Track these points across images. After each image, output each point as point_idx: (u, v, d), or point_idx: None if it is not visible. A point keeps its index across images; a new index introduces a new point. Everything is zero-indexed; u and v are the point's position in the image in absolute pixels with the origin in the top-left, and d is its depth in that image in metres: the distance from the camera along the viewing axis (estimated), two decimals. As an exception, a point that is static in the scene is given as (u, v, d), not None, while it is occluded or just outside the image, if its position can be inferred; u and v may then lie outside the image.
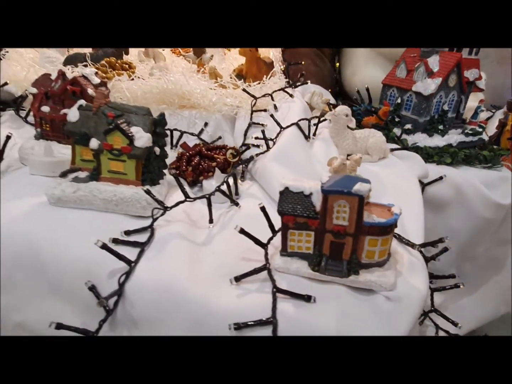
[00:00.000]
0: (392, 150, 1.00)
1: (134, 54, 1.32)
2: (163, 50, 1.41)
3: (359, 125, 1.14)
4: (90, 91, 0.81)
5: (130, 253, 0.59)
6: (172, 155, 0.87)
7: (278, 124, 0.96)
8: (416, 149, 1.02)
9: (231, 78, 1.12)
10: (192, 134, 0.98)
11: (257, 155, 0.88)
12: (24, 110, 1.03)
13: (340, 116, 0.92)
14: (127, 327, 0.55)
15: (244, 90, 1.04)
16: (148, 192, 0.65)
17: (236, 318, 0.50)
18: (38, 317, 0.63)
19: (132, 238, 0.63)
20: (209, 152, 0.88)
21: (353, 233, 0.51)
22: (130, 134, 0.66)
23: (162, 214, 0.65)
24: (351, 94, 1.44)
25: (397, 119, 1.11)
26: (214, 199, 0.73)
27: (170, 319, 0.53)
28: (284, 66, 1.27)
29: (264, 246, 0.59)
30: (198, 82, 1.03)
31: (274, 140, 0.93)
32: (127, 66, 1.10)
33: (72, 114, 0.70)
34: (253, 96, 1.03)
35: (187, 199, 0.67)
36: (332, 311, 0.51)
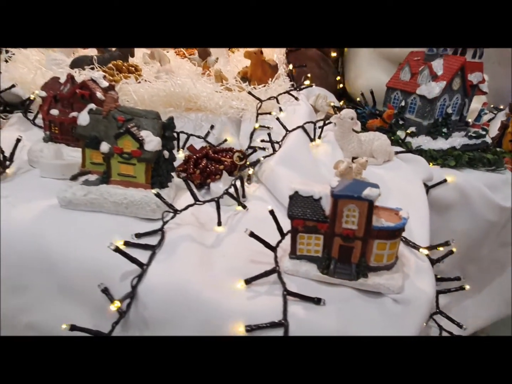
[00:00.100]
0: (397, 153, 1.00)
1: (138, 57, 1.33)
2: (167, 52, 1.42)
3: (364, 128, 1.15)
4: (99, 94, 0.82)
5: (141, 255, 0.60)
6: (178, 157, 0.88)
7: (284, 127, 0.97)
8: (420, 151, 1.03)
9: (236, 80, 1.13)
10: (198, 136, 0.99)
11: (263, 157, 0.89)
12: (32, 112, 1.04)
13: (345, 120, 0.92)
14: (139, 329, 0.56)
15: (249, 93, 1.04)
16: (158, 195, 0.66)
17: (247, 320, 0.51)
18: (48, 319, 0.64)
19: (143, 240, 0.64)
20: (215, 155, 0.89)
21: (362, 237, 0.52)
22: (140, 138, 0.67)
23: (172, 217, 0.66)
24: (355, 96, 1.45)
25: (401, 122, 1.12)
26: (222, 202, 0.74)
27: (181, 321, 0.54)
28: (289, 68, 1.28)
29: (273, 249, 0.60)
30: (204, 85, 1.04)
31: (280, 143, 0.94)
32: (133, 69, 1.11)
33: (83, 118, 0.71)
34: (258, 99, 1.04)
35: (197, 202, 0.67)
36: (342, 313, 0.52)
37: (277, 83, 1.14)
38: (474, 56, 1.09)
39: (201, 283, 0.56)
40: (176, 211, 0.66)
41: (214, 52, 1.30)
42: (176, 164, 0.83)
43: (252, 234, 0.58)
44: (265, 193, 0.86)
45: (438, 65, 1.03)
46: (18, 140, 0.79)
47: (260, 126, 0.99)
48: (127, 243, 0.61)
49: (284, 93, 1.10)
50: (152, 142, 0.68)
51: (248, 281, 0.56)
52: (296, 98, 1.09)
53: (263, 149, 0.94)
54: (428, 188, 0.96)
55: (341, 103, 1.30)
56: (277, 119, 0.98)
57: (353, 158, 0.92)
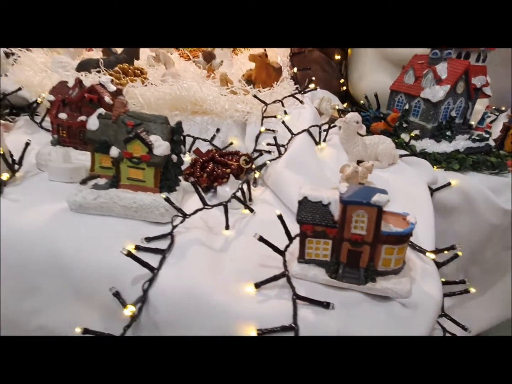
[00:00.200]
0: (401, 156, 1.01)
1: (143, 59, 1.34)
2: (171, 54, 1.43)
3: (368, 131, 1.16)
4: (107, 98, 0.83)
5: (151, 259, 0.61)
6: (185, 161, 0.89)
7: (289, 130, 0.97)
8: (424, 155, 1.04)
9: (240, 83, 1.13)
10: (204, 140, 1.00)
11: (269, 161, 0.90)
12: (39, 115, 1.05)
13: (351, 123, 0.93)
14: (150, 332, 0.57)
15: (254, 96, 1.05)
16: (167, 199, 0.66)
17: (258, 324, 0.52)
18: (59, 321, 0.65)
19: (152, 244, 0.64)
20: (222, 158, 0.90)
21: (370, 242, 0.53)
22: (149, 143, 0.68)
23: (181, 222, 0.67)
24: (358, 99, 1.46)
25: (404, 125, 1.13)
26: (229, 205, 0.74)
27: (193, 324, 0.55)
28: (293, 71, 1.29)
29: (282, 253, 0.61)
30: (210, 88, 1.04)
31: (286, 146, 0.94)
32: (139, 72, 1.12)
33: (92, 122, 0.71)
34: (264, 102, 1.05)
35: (206, 207, 0.68)
36: (351, 317, 0.53)
37: (282, 86, 1.15)
38: (478, 59, 1.09)
39: (211, 287, 0.57)
40: (185, 216, 0.67)
41: (218, 54, 1.31)
42: (182, 167, 0.84)
43: (261, 239, 0.59)
44: (271, 196, 0.87)
45: (442, 69, 1.04)
46: (27, 144, 0.79)
47: (266, 129, 1.00)
48: (137, 247, 0.61)
49: (289, 96, 1.11)
50: (161, 146, 0.69)
51: (257, 285, 0.57)
52: (301, 102, 1.10)
53: (269, 152, 0.94)
54: (432, 191, 0.97)
55: (345, 105, 1.30)
56: (283, 122, 0.98)
57: (358, 162, 0.93)
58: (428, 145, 1.06)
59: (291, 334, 0.51)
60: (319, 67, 1.36)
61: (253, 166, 0.90)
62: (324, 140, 1.01)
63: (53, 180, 0.80)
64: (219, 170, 0.85)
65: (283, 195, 0.83)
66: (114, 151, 0.68)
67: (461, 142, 1.09)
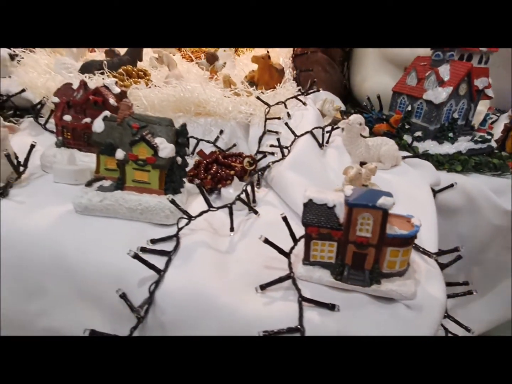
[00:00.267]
0: (404, 157, 1.02)
1: (145, 60, 1.34)
2: (173, 55, 1.43)
3: (370, 132, 1.16)
4: (112, 101, 0.83)
5: (157, 261, 0.61)
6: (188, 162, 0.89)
7: (293, 132, 0.98)
8: (426, 156, 1.04)
9: (242, 84, 1.14)
10: (208, 141, 1.00)
11: (273, 163, 0.91)
12: (43, 117, 1.05)
13: (354, 125, 0.94)
14: (156, 333, 0.57)
15: (258, 98, 1.06)
16: (173, 202, 0.67)
17: (264, 325, 0.52)
18: (65, 323, 0.65)
19: (158, 246, 0.65)
20: (225, 160, 0.90)
21: (375, 244, 0.53)
22: (154, 145, 0.68)
23: (187, 224, 0.67)
24: (360, 100, 1.46)
25: (407, 127, 1.13)
26: (233, 207, 0.75)
27: (199, 326, 0.55)
28: (295, 73, 1.29)
29: (287, 255, 0.61)
30: (213, 90, 1.05)
31: (289, 148, 0.95)
32: (142, 73, 1.12)
33: (98, 124, 0.72)
34: (267, 104, 1.05)
35: (211, 209, 0.69)
36: (356, 319, 0.53)
37: (285, 88, 1.15)
38: (480, 61, 1.10)
39: (217, 289, 0.57)
40: (190, 218, 0.67)
41: (221, 56, 1.31)
42: (186, 168, 0.84)
43: (266, 241, 0.59)
44: (275, 198, 0.87)
45: (444, 71, 1.04)
46: (32, 146, 0.80)
47: (269, 131, 1.00)
48: (143, 249, 0.62)
49: (292, 98, 1.11)
50: (166, 149, 0.69)
51: (263, 287, 0.57)
52: (304, 103, 1.10)
53: (272, 154, 0.95)
54: (434, 192, 0.97)
55: (346, 106, 1.31)
56: (286, 124, 0.99)
57: (361, 163, 0.93)
58: (431, 146, 1.07)
59: (297, 335, 0.51)
60: (322, 69, 1.36)
61: (257, 167, 0.91)
62: (327, 142, 1.01)
63: (58, 182, 0.81)
64: (223, 172, 0.86)
65: (287, 197, 0.83)
66: (120, 154, 0.69)
67: (463, 144, 1.09)
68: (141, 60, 1.27)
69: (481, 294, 1.10)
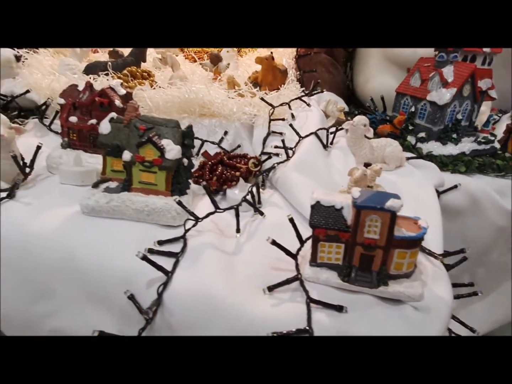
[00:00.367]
0: (408, 158, 1.02)
1: (148, 61, 1.34)
2: (176, 56, 1.44)
3: (374, 133, 1.17)
4: (118, 102, 0.83)
5: (164, 262, 0.61)
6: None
7: (297, 133, 0.98)
8: (430, 157, 1.05)
9: (246, 85, 1.14)
10: (212, 142, 1.00)
11: (278, 164, 0.91)
12: (47, 118, 1.05)
13: (358, 126, 0.94)
14: (165, 335, 0.58)
15: (262, 99, 1.06)
16: (180, 203, 0.67)
17: (272, 327, 0.53)
18: (73, 324, 0.66)
19: (165, 247, 0.65)
20: (230, 161, 0.91)
21: (383, 246, 0.54)
22: (161, 147, 0.69)
23: (194, 225, 0.67)
24: (363, 101, 1.47)
25: (410, 127, 1.13)
26: (239, 208, 0.75)
27: (208, 327, 0.55)
28: (298, 73, 1.29)
29: (294, 256, 0.62)
30: (218, 91, 1.05)
31: (294, 149, 0.95)
32: (146, 74, 1.13)
33: (104, 126, 0.72)
34: (271, 105, 1.05)
35: (217, 210, 0.69)
36: (364, 320, 0.53)
37: (289, 89, 1.15)
38: (483, 62, 1.10)
39: (225, 290, 0.57)
40: (197, 219, 0.68)
41: (224, 57, 1.31)
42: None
43: (274, 242, 0.59)
44: (280, 199, 0.87)
45: (448, 72, 1.04)
46: (38, 147, 0.80)
47: (273, 132, 1.01)
48: (151, 251, 0.62)
49: (296, 99, 1.11)
50: (172, 150, 0.70)
51: (271, 288, 0.57)
52: (308, 104, 1.11)
53: (277, 155, 0.95)
54: (438, 193, 0.97)
55: (350, 107, 1.31)
56: (290, 125, 0.99)
57: (366, 164, 0.94)
58: (434, 147, 1.07)
59: (305, 336, 0.51)
60: (325, 69, 1.36)
61: (261, 168, 0.91)
62: (332, 143, 1.01)
63: (64, 183, 0.81)
64: (228, 173, 0.86)
65: (292, 198, 0.84)
66: (127, 155, 0.69)
67: (467, 145, 1.10)
68: (144, 61, 1.27)
69: (485, 295, 1.10)
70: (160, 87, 1.06)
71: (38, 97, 1.09)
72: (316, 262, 0.60)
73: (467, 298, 0.88)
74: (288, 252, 0.61)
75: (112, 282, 0.62)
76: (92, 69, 1.13)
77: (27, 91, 1.08)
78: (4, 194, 0.72)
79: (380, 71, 1.39)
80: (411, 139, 1.10)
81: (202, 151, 0.98)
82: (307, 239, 0.66)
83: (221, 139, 1.01)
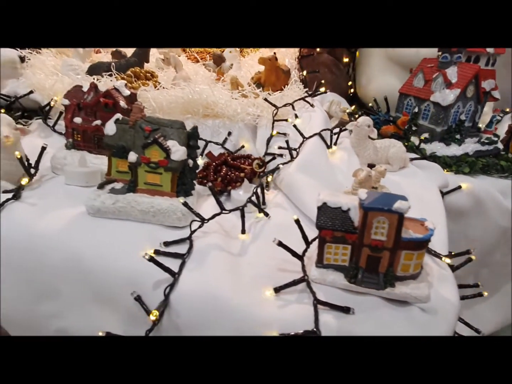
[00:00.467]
0: (412, 159, 1.02)
1: (151, 61, 1.34)
2: (179, 56, 1.43)
3: (377, 134, 1.16)
4: (122, 103, 0.83)
5: (170, 263, 0.61)
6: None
7: (301, 134, 0.98)
8: (434, 158, 1.05)
9: (249, 86, 1.14)
10: (216, 143, 1.00)
11: (282, 164, 0.91)
12: (51, 119, 1.05)
13: (362, 127, 0.94)
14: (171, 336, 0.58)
15: (265, 99, 1.06)
16: (186, 204, 0.67)
17: (279, 328, 0.53)
18: (79, 325, 0.66)
19: (171, 249, 0.65)
20: (234, 162, 0.91)
21: (390, 248, 0.54)
22: (167, 148, 0.69)
23: (200, 226, 0.67)
24: (366, 101, 1.47)
25: (414, 128, 1.14)
26: (244, 209, 0.75)
27: (214, 328, 0.55)
28: (301, 74, 1.29)
29: (300, 258, 0.62)
30: (221, 92, 1.05)
31: (298, 150, 0.95)
32: (149, 75, 1.13)
33: (110, 127, 0.72)
34: (274, 105, 1.05)
35: (223, 212, 0.69)
36: (371, 322, 0.53)
37: (292, 89, 1.15)
38: (487, 63, 1.10)
39: (232, 291, 0.57)
40: (203, 220, 0.68)
41: (227, 57, 1.31)
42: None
43: (280, 244, 0.59)
44: (284, 200, 0.87)
45: (452, 73, 1.04)
46: (43, 148, 0.80)
47: (277, 132, 1.01)
48: (157, 252, 0.62)
49: (300, 99, 1.11)
50: (178, 151, 0.70)
51: (277, 290, 0.57)
52: (312, 105, 1.11)
53: (281, 155, 0.95)
54: (442, 194, 0.97)
55: (352, 108, 1.31)
56: (294, 126, 0.99)
57: (369, 165, 0.94)
58: (438, 148, 1.07)
59: (312, 336, 0.51)
60: (328, 70, 1.36)
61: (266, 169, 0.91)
62: (335, 144, 1.01)
63: (69, 184, 0.81)
64: (233, 174, 0.86)
65: (296, 199, 0.84)
66: (133, 156, 0.69)
67: (470, 146, 1.10)
68: (148, 61, 1.27)
69: (488, 295, 1.10)
70: (163, 87, 1.06)
71: (42, 98, 1.09)
72: (322, 264, 0.60)
73: (471, 299, 0.88)
74: (294, 254, 0.61)
75: (117, 283, 0.62)
76: (96, 69, 1.13)
77: (31, 92, 1.08)
78: (9, 195, 0.72)
79: (382, 72, 1.39)
80: (414, 139, 1.10)
81: (206, 152, 0.98)
82: (313, 240, 0.66)
83: (225, 140, 1.01)
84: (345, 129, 1.03)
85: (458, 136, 1.09)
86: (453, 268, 0.70)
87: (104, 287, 0.63)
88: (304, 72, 1.26)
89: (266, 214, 0.78)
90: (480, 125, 1.19)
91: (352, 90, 1.51)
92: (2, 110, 1.02)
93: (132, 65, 1.15)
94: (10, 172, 0.76)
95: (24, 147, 0.84)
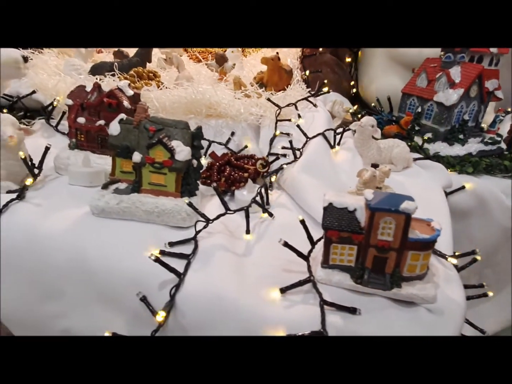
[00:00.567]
0: (415, 159, 1.02)
1: (153, 61, 1.34)
2: (181, 56, 1.43)
3: (380, 134, 1.16)
4: (126, 103, 0.83)
5: (175, 264, 0.61)
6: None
7: (304, 134, 0.98)
8: (437, 158, 1.05)
9: (252, 86, 1.14)
10: (219, 143, 1.00)
11: (285, 165, 0.91)
12: (53, 119, 1.05)
13: (366, 127, 0.94)
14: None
15: (268, 99, 1.06)
16: (191, 205, 0.67)
17: (285, 328, 0.53)
18: (84, 325, 0.66)
19: (176, 249, 0.65)
20: (238, 162, 0.91)
21: (397, 248, 0.54)
22: (171, 148, 0.69)
23: (205, 227, 0.67)
24: (368, 101, 1.46)
25: (417, 128, 1.13)
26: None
27: (220, 329, 0.55)
28: (303, 74, 1.29)
29: (306, 258, 0.62)
30: (224, 92, 1.05)
31: (301, 150, 0.95)
32: (152, 75, 1.12)
33: (114, 127, 0.72)
34: (277, 105, 1.05)
35: (228, 212, 0.69)
36: (377, 322, 0.53)
37: (295, 89, 1.15)
38: (490, 63, 1.10)
39: (238, 292, 0.57)
40: (208, 221, 0.67)
41: (229, 57, 1.31)
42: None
43: (286, 244, 0.59)
44: (288, 200, 0.87)
45: (455, 73, 1.04)
46: (47, 148, 0.80)
47: (280, 132, 1.00)
48: (162, 252, 0.62)
49: (303, 99, 1.11)
50: (182, 152, 0.69)
51: (283, 290, 0.57)
52: (315, 105, 1.10)
53: (284, 156, 0.95)
54: (446, 194, 0.97)
55: (355, 107, 1.31)
56: (298, 126, 0.99)
57: (373, 165, 0.93)
58: (441, 148, 1.07)
59: (319, 336, 0.51)
60: (330, 70, 1.36)
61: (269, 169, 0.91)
62: (339, 144, 1.01)
63: (73, 184, 0.81)
64: (236, 174, 0.86)
65: (300, 199, 0.84)
66: (137, 156, 0.69)
67: (473, 145, 1.10)
68: (150, 61, 1.27)
69: (492, 295, 1.11)
70: (166, 87, 1.06)
71: (44, 98, 1.09)
72: (328, 264, 0.60)
73: (475, 299, 0.88)
74: (300, 254, 0.61)
75: (122, 283, 0.62)
76: (98, 69, 1.13)
77: (33, 92, 1.08)
78: (14, 195, 0.72)
79: (385, 72, 1.39)
80: (417, 139, 1.10)
81: (209, 152, 0.98)
82: (318, 240, 0.66)
83: (228, 140, 1.01)
84: (349, 129, 1.02)
85: (461, 136, 1.08)
86: (458, 268, 0.70)
87: (109, 287, 0.63)
88: (307, 72, 1.26)
89: (271, 214, 0.78)
90: (483, 125, 1.19)
91: (354, 90, 1.50)
92: (5, 110, 1.02)
93: (135, 65, 1.15)
94: (14, 172, 0.76)
95: (27, 147, 0.84)
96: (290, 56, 1.42)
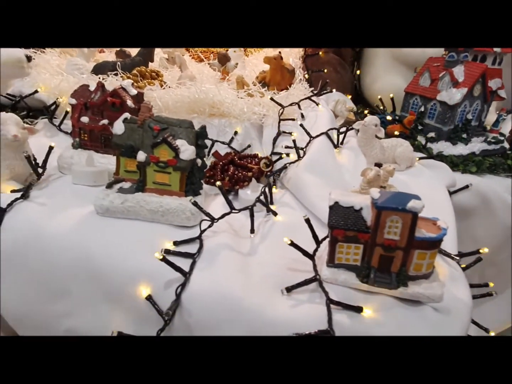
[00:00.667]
0: (419, 159, 1.02)
1: (155, 61, 1.34)
2: (183, 55, 1.43)
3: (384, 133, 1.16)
4: (129, 102, 0.83)
5: (180, 263, 0.61)
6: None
7: (308, 133, 0.98)
8: (440, 157, 1.04)
9: (254, 85, 1.14)
10: (223, 142, 1.00)
11: (289, 164, 0.90)
12: (56, 118, 1.05)
13: (369, 126, 0.93)
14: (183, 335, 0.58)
15: (271, 99, 1.05)
16: (195, 204, 0.67)
17: (291, 327, 0.53)
18: (89, 324, 0.66)
19: (181, 248, 0.65)
20: (241, 161, 0.91)
21: (403, 247, 0.53)
22: (176, 147, 0.68)
23: (210, 226, 0.67)
24: (371, 101, 1.46)
25: (420, 127, 1.13)
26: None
27: (225, 328, 0.55)
28: (306, 73, 1.29)
29: (311, 257, 0.61)
30: (227, 91, 1.05)
31: (304, 149, 0.95)
32: (155, 74, 1.12)
33: (118, 127, 0.72)
34: (280, 105, 1.05)
35: (233, 211, 0.69)
36: (384, 322, 0.53)
37: (298, 89, 1.15)
38: (494, 62, 1.10)
39: (243, 291, 0.57)
40: (213, 220, 0.67)
41: (232, 57, 1.31)
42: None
43: (292, 243, 0.59)
44: (291, 199, 0.87)
45: (459, 72, 1.04)
46: (51, 148, 0.80)
47: (283, 132, 1.00)
48: (167, 251, 0.62)
49: (305, 99, 1.11)
50: (187, 151, 0.69)
51: (289, 289, 0.57)
52: (318, 104, 1.10)
53: (287, 155, 0.95)
54: (449, 194, 0.97)
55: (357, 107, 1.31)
56: (301, 125, 0.99)
57: (376, 164, 0.93)
58: (444, 147, 1.07)
59: (326, 336, 0.51)
60: (333, 69, 1.36)
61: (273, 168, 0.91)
62: (342, 143, 1.01)
63: (77, 184, 0.81)
64: (240, 174, 0.86)
65: (303, 198, 0.84)
66: (141, 156, 0.69)
67: (477, 145, 1.09)
68: (152, 61, 1.27)
69: (495, 295, 1.10)
70: (169, 87, 1.06)
71: (47, 97, 1.09)
72: (333, 263, 0.60)
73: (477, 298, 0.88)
74: (305, 253, 0.61)
75: (127, 282, 0.62)
76: (101, 69, 1.13)
77: (36, 91, 1.08)
78: (18, 194, 0.72)
79: (387, 71, 1.39)
80: (421, 139, 1.10)
81: (212, 151, 0.98)
82: (323, 239, 0.66)
83: (231, 139, 1.01)
84: (352, 128, 1.02)
85: (464, 136, 1.08)
86: (463, 267, 0.70)
87: (114, 286, 0.63)
88: (309, 71, 1.26)
89: (275, 214, 0.77)
90: (486, 125, 1.18)
91: (356, 90, 1.50)
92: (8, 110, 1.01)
93: (137, 65, 1.15)
94: (18, 171, 0.76)
95: (32, 146, 0.84)
96: (292, 56, 1.42)
